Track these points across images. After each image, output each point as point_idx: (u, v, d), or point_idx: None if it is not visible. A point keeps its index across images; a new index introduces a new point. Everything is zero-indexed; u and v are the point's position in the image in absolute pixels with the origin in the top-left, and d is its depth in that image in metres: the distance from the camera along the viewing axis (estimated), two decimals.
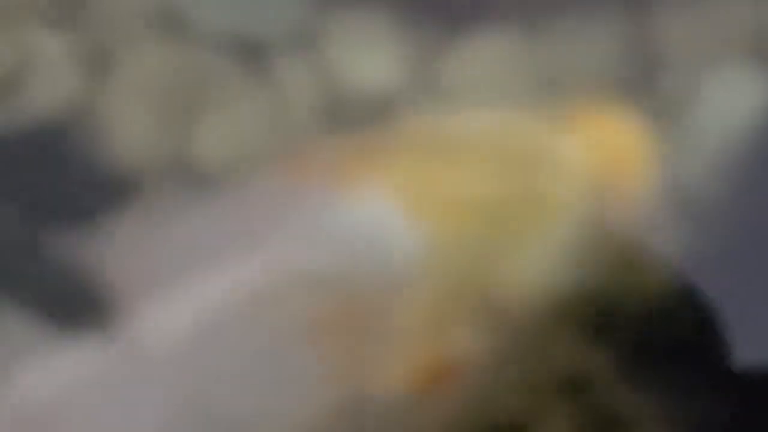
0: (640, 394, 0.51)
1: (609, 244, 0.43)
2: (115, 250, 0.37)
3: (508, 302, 0.39)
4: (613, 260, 0.43)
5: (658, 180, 0.44)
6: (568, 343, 0.47)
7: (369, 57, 0.42)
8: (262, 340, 0.39)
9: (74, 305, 0.38)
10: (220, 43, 0.42)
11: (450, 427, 0.40)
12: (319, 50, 0.42)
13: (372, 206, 0.40)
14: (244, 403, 0.38)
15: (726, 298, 0.48)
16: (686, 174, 0.49)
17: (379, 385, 0.38)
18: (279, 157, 0.40)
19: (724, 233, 0.48)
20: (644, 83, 0.46)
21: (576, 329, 0.47)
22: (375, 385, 0.38)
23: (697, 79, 0.46)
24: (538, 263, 0.40)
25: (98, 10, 0.43)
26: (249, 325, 0.37)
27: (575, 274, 0.41)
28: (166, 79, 0.42)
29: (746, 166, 0.47)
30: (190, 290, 0.37)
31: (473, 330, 0.39)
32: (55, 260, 0.39)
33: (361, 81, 0.42)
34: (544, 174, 0.41)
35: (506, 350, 0.40)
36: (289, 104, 0.41)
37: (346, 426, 0.38)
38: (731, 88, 0.45)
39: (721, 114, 0.45)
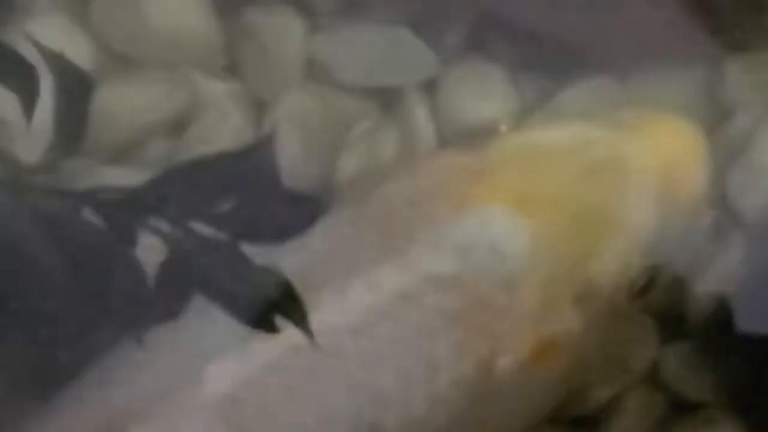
0: (707, 380, 0.53)
1: (670, 241, 0.47)
2: (296, 256, 0.41)
3: (597, 290, 0.42)
4: (672, 257, 0.47)
5: (712, 190, 0.48)
6: (642, 332, 0.51)
7: (480, 98, 0.48)
8: (411, 330, 0.42)
9: (266, 307, 0.40)
10: (360, 88, 0.48)
11: (555, 396, 0.44)
12: (441, 93, 0.49)
13: (486, 213, 0.44)
14: (402, 384, 0.41)
15: None
16: (743, 201, 0.52)
17: (502, 361, 0.41)
18: (406, 177, 0.45)
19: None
20: (714, 122, 0.51)
21: (648, 319, 0.51)
22: (499, 361, 0.41)
23: (760, 121, 0.51)
24: (617, 256, 0.43)
25: (259, 62, 0.49)
26: (398, 319, 0.41)
27: (647, 267, 0.44)
28: (316, 118, 0.47)
29: None
30: (352, 291, 0.41)
31: (572, 313, 0.42)
32: (248, 266, 0.41)
33: (473, 117, 0.48)
34: (617, 177, 0.45)
35: (596, 333, 0.44)
36: (415, 135, 0.48)
37: (478, 394, 0.42)
38: None
39: None
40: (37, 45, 0.43)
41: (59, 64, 0.43)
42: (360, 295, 0.42)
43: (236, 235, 0.41)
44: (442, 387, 0.43)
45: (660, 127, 0.49)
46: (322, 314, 0.40)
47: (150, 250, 0.42)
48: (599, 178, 0.47)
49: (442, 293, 0.43)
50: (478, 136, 0.50)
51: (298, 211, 0.42)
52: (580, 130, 0.48)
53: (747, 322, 0.51)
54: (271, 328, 0.40)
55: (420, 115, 0.50)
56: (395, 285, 0.43)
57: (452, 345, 0.44)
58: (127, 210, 0.42)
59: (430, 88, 0.50)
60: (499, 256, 0.45)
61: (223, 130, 0.49)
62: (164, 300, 0.41)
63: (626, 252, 0.46)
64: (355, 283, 0.42)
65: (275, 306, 0.40)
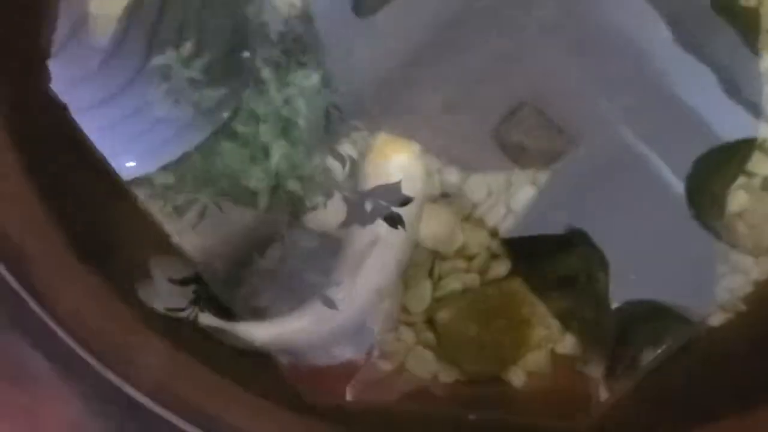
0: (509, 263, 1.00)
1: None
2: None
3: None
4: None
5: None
6: (484, 234, 1.01)
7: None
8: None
9: (393, 219, 0.92)
10: None
11: None
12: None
13: (393, 158, 0.97)
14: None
15: None
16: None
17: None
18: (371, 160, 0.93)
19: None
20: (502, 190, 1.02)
21: (486, 232, 1.01)
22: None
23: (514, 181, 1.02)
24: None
25: None
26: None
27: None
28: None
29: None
30: None
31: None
32: (390, 211, 0.93)
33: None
34: (397, 145, 0.97)
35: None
36: None
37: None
38: None
39: None
40: (347, 155, 0.94)
41: (351, 159, 0.94)
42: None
43: (391, 204, 0.90)
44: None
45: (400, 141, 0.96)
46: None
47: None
48: (392, 147, 0.96)
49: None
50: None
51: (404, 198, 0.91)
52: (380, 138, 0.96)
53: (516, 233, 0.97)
54: (394, 225, 0.91)
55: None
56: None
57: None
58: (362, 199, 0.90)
59: None
60: (406, 169, 0.96)
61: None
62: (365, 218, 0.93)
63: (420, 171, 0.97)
64: None
65: (396, 218, 0.92)
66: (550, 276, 1.00)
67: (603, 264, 0.94)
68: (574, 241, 0.96)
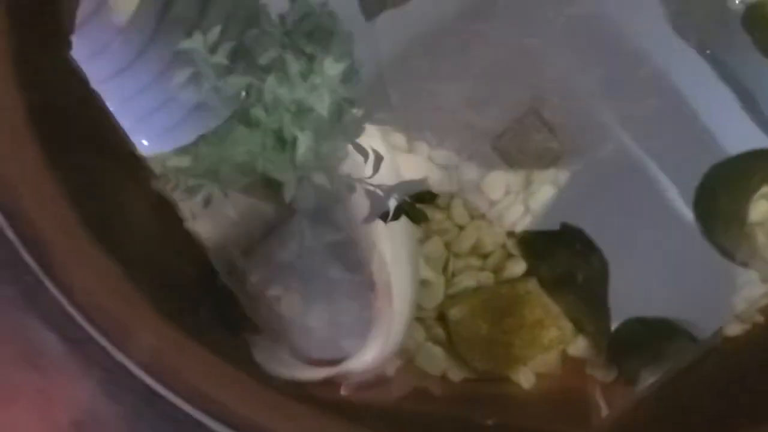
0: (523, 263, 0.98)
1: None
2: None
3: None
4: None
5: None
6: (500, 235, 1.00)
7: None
8: None
9: (415, 215, 0.94)
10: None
11: None
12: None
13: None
14: None
15: None
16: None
17: None
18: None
19: None
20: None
21: (504, 230, 1.01)
22: None
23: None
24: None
25: None
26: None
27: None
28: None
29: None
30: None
31: None
32: (410, 203, 0.92)
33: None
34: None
35: None
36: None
37: None
38: None
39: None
40: (370, 149, 0.89)
41: (377, 153, 0.89)
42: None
43: (413, 199, 0.90)
44: None
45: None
46: None
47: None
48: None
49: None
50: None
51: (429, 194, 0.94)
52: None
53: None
54: (417, 221, 0.93)
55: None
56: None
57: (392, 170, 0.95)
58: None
59: None
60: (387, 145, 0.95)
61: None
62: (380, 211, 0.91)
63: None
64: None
65: (419, 215, 0.93)
66: (558, 276, 1.01)
67: (603, 273, 0.96)
68: (577, 243, 0.97)
